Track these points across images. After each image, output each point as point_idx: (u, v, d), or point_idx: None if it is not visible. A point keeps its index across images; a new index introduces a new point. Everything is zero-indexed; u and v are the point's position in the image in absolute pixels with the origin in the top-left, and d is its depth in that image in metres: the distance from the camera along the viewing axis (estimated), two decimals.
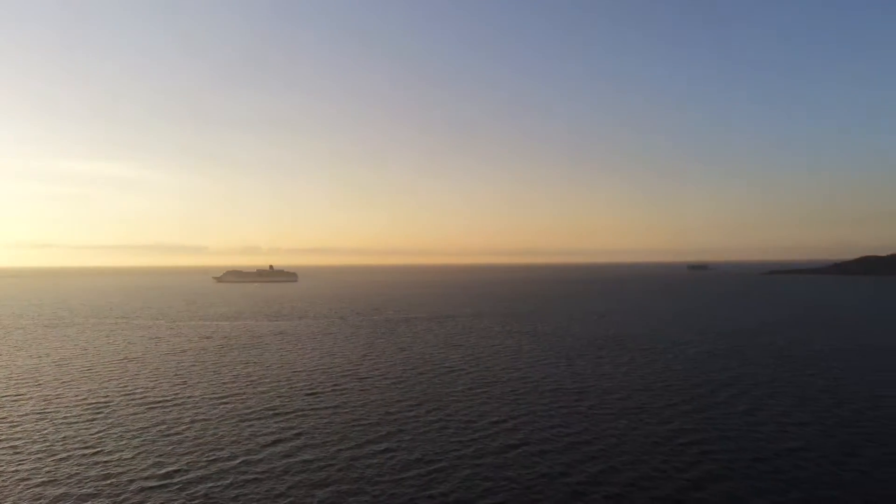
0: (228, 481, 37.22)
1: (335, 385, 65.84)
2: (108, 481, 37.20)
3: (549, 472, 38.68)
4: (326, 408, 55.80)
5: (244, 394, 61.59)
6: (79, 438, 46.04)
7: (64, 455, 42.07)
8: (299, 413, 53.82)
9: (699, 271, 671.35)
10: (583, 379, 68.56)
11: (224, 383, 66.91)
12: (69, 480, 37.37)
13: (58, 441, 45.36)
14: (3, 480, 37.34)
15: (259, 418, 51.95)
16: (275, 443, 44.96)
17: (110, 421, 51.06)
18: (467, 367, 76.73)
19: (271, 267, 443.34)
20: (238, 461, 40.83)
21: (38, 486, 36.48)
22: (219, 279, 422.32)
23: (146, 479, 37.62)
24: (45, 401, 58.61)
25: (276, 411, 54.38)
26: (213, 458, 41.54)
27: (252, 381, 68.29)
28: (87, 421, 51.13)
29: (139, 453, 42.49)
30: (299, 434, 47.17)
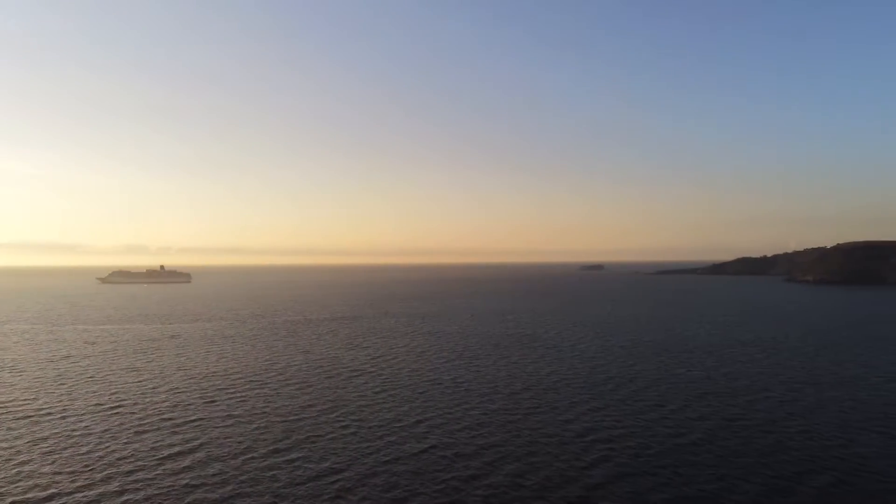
0: (122, 500, 34.56)
1: (235, 391, 62.99)
2: None
3: (462, 475, 38.72)
4: (227, 416, 53.23)
5: (136, 404, 57.63)
6: None
7: None
8: (198, 423, 50.95)
9: (593, 271, 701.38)
10: (488, 379, 69.44)
11: (113, 393, 62.36)
12: None
13: None
14: None
15: (154, 430, 48.70)
16: (173, 456, 42.23)
17: None
18: (374, 368, 75.79)
19: (162, 267, 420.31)
20: (133, 478, 38.01)
21: None
22: (103, 280, 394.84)
23: (22, 503, 34.23)
24: None
25: (173, 422, 51.21)
26: (105, 475, 38.45)
27: (144, 389, 64.09)
28: None
29: (17, 474, 38.64)
30: (199, 445, 44.59)
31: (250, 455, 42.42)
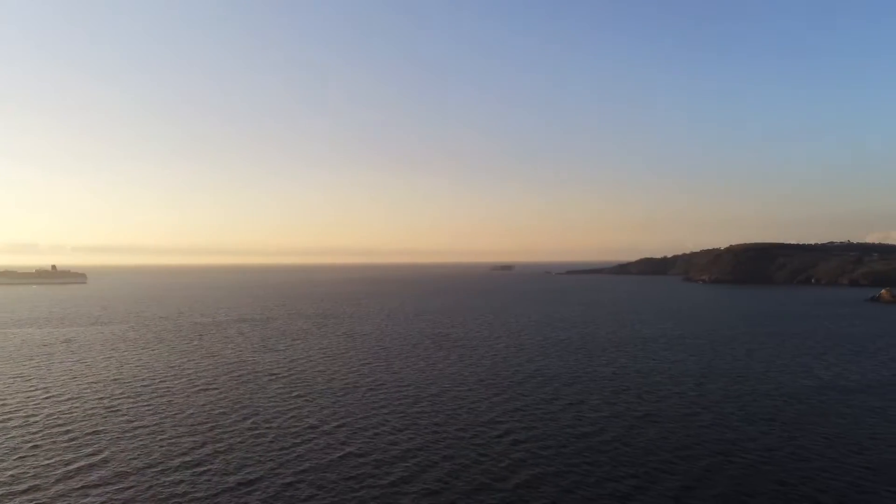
0: None
1: (140, 399, 59.52)
2: None
3: (385, 482, 38.19)
4: (129, 423, 50.24)
5: (30, 414, 53.33)
6: None
7: None
8: (98, 432, 47.76)
9: (504, 271, 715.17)
10: (407, 381, 69.12)
11: (1, 403, 57.48)
12: None
13: None
14: None
15: (50, 443, 45.20)
16: (74, 472, 39.29)
17: None
18: (288, 372, 73.75)
19: (54, 267, 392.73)
20: (30, 498, 35.04)
21: None
22: None
23: None
24: None
25: (70, 432, 47.77)
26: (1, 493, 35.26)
27: (36, 399, 59.44)
28: None
29: None
30: (103, 460, 41.70)
31: (160, 468, 40.08)
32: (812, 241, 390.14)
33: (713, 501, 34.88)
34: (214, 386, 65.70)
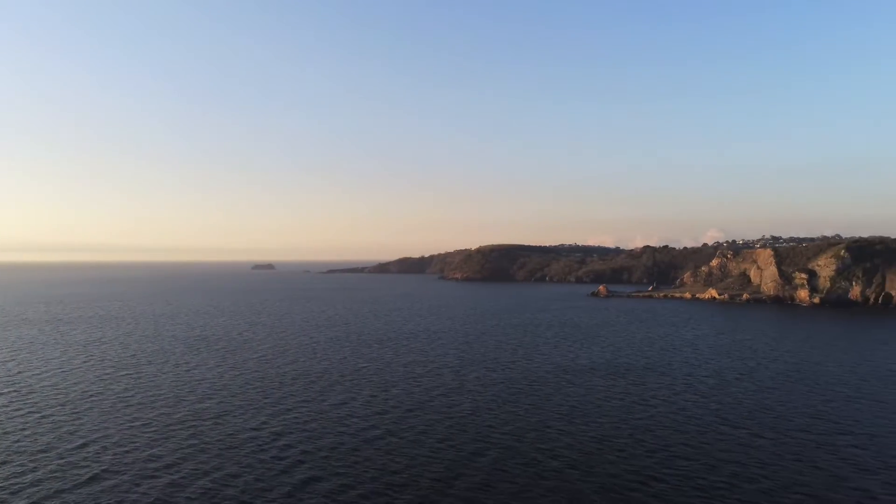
0: None
1: None
2: None
3: (145, 500, 34.92)
4: None
5: None
6: None
7: None
8: None
9: (265, 270, 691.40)
10: (165, 388, 63.60)
11: None
12: None
13: None
14: None
15: None
16: None
17: None
18: (16, 388, 63.29)
19: None
20: None
21: None
22: None
23: None
24: None
25: None
26: None
27: None
28: None
29: None
30: None
31: None
32: (547, 244, 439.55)
33: (478, 485, 37.96)
34: None
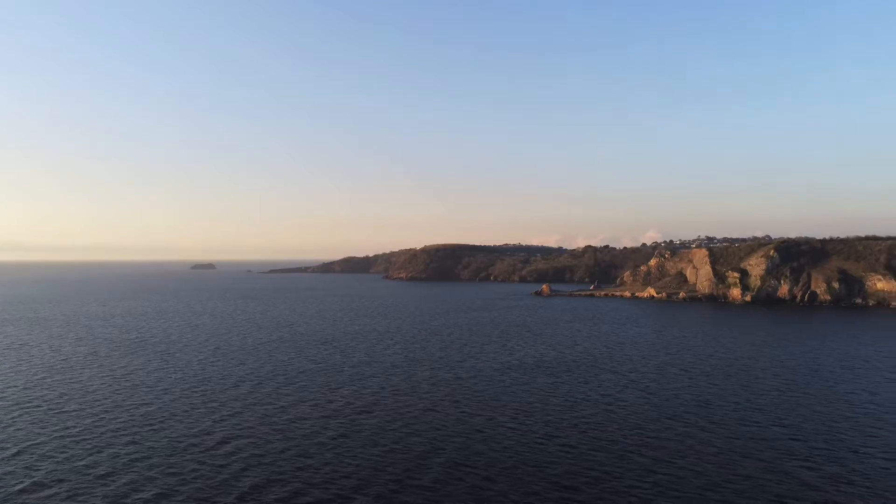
0: None
1: None
2: None
3: (56, 494, 33.69)
4: None
5: None
6: None
7: None
8: None
9: (205, 270, 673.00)
10: (101, 394, 61.28)
11: None
12: None
13: None
14: None
15: None
16: None
17: None
18: None
19: None
20: None
21: None
22: None
23: None
24: None
25: None
26: None
27: None
28: None
29: None
30: None
31: None
32: (492, 244, 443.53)
33: (431, 486, 38.16)
34: None
